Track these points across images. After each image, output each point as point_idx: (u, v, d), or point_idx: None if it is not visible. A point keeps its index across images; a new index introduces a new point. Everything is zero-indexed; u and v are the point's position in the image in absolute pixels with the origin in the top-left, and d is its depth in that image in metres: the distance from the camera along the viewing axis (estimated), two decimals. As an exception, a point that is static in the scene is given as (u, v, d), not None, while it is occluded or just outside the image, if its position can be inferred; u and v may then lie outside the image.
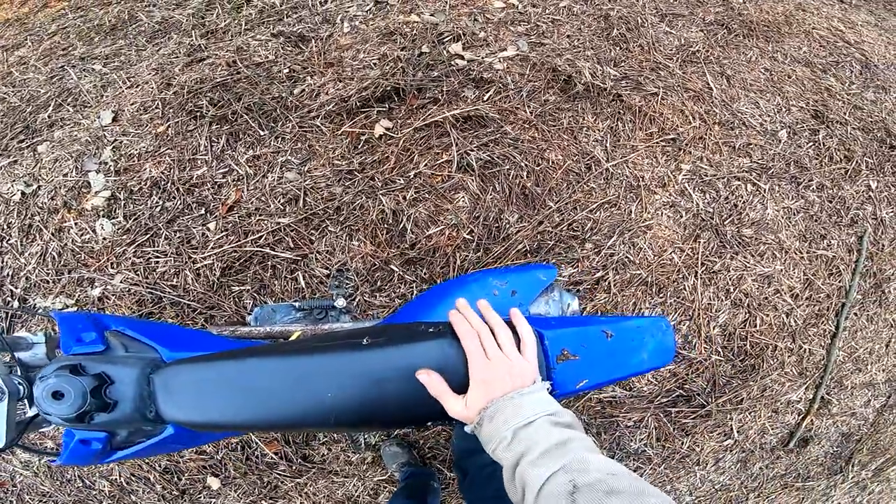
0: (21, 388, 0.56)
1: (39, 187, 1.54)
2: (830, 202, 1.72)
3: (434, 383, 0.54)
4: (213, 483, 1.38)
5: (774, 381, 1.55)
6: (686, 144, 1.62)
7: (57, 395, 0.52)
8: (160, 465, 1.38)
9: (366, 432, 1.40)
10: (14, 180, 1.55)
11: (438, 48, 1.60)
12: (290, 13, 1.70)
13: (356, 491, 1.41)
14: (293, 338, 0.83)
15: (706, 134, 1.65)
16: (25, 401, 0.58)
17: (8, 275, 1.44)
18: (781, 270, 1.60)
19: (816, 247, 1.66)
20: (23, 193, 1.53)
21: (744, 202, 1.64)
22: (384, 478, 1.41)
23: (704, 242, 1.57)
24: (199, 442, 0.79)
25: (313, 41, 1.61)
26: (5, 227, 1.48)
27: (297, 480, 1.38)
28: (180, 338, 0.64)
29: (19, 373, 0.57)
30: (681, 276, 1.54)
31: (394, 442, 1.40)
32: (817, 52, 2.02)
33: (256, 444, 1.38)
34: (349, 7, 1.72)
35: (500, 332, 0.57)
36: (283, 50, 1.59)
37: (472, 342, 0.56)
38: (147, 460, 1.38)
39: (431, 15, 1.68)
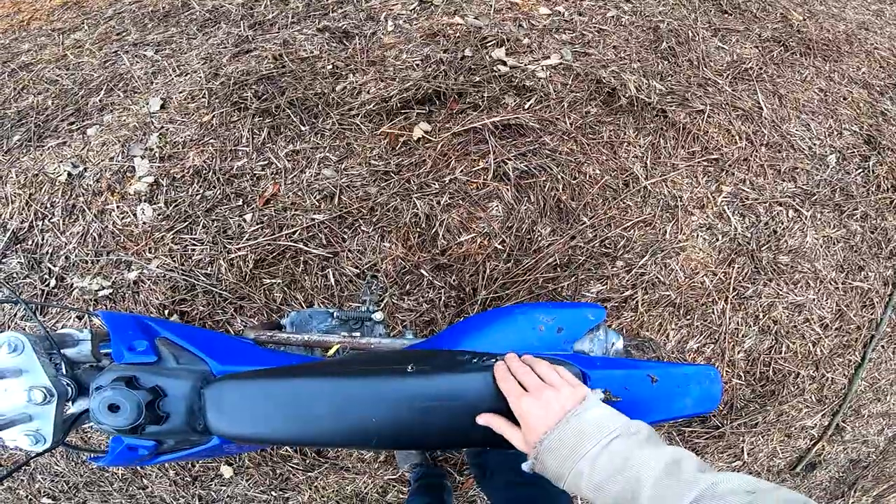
0: (69, 389, 0.57)
1: (86, 169, 1.59)
2: (872, 233, 1.66)
3: (495, 423, 0.53)
4: (226, 471, 1.41)
5: (792, 406, 1.54)
6: (729, 165, 1.57)
7: (113, 408, 0.53)
8: None
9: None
10: (62, 161, 1.60)
11: (481, 52, 1.58)
12: (336, 8, 1.71)
13: (365, 488, 1.43)
14: (332, 351, 0.84)
15: (751, 155, 1.60)
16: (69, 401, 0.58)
17: (48, 252, 1.49)
18: (814, 300, 1.56)
19: (853, 278, 1.61)
20: (69, 174, 1.58)
21: (784, 228, 1.59)
22: (394, 477, 1.44)
23: (738, 267, 1.53)
24: (241, 451, 0.82)
25: (357, 38, 1.62)
26: (49, 206, 1.53)
27: (309, 474, 1.41)
28: (228, 349, 0.65)
29: (65, 372, 0.58)
30: (710, 299, 1.51)
31: None
32: (876, 74, 1.92)
33: None
34: (394, 5, 1.71)
35: (539, 366, 0.55)
36: (328, 46, 1.60)
37: (508, 383, 0.53)
38: None
39: (475, 18, 1.66)
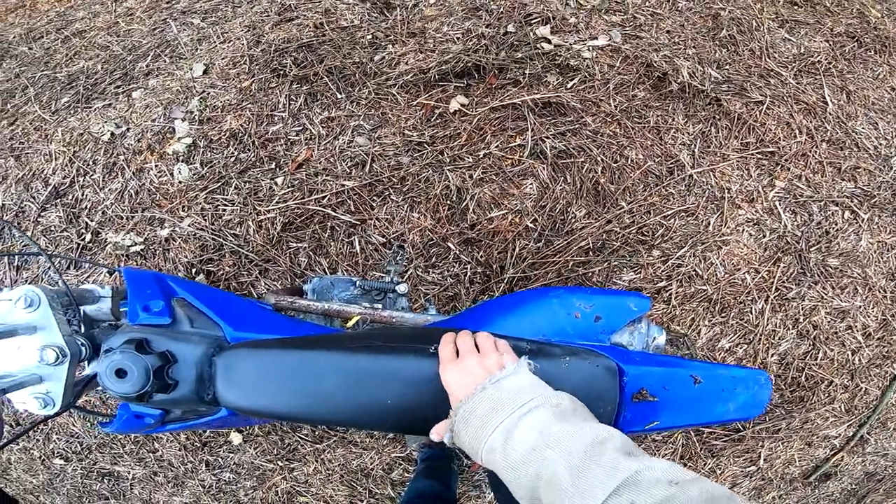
0: (83, 349, 0.55)
1: (128, 129, 1.63)
2: (932, 243, 1.52)
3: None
4: (235, 438, 1.42)
5: (819, 415, 1.48)
6: (786, 160, 1.46)
7: (120, 373, 0.51)
8: None
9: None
10: (106, 121, 1.65)
11: (525, 29, 1.54)
12: (379, -20, 1.70)
13: (371, 464, 1.42)
14: (352, 322, 0.81)
15: (811, 151, 1.49)
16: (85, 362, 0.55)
17: (86, 207, 1.53)
18: (860, 307, 1.47)
19: (904, 288, 1.50)
20: (112, 134, 1.63)
21: (837, 229, 1.48)
22: (401, 455, 1.43)
23: (784, 267, 1.43)
24: (248, 423, 0.79)
25: (398, 9, 1.60)
26: (91, 163, 1.58)
27: (317, 446, 1.41)
28: (244, 315, 0.63)
29: (82, 330, 0.56)
30: (749, 298, 1.42)
31: None
32: None
33: None
34: (438, -22, 1.68)
35: (480, 336, 0.51)
36: (369, 16, 1.59)
37: (445, 349, 0.50)
38: None
39: (521, -6, 1.61)
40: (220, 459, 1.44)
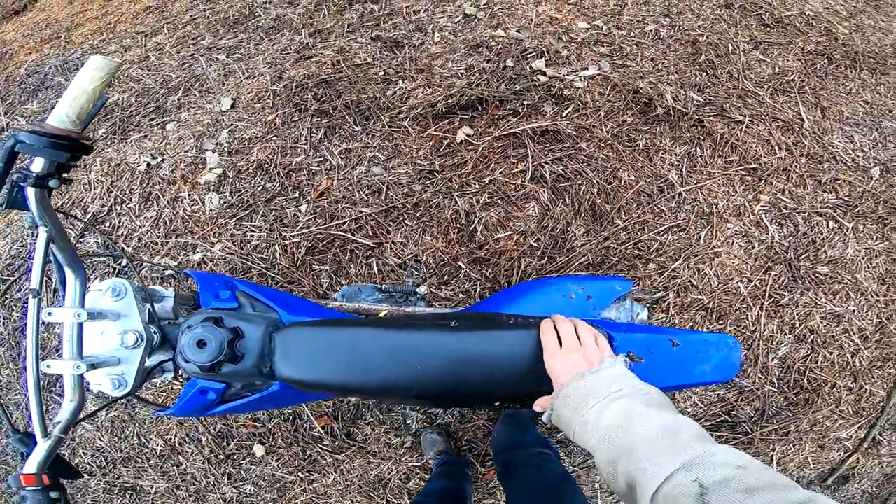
0: (156, 337, 0.61)
1: (163, 160, 1.77)
2: (919, 248, 1.61)
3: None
4: (258, 451, 1.45)
5: (826, 416, 1.51)
6: (768, 175, 1.58)
7: (200, 344, 0.58)
8: (214, 429, 1.47)
9: (439, 409, 1.44)
10: (142, 152, 1.79)
11: (522, 63, 1.68)
12: (387, 19, 1.86)
13: (389, 474, 1.45)
14: (381, 315, 0.93)
15: (791, 165, 1.60)
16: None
17: (123, 234, 1.64)
18: (854, 311, 1.55)
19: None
20: (148, 164, 1.76)
21: (823, 239, 1.58)
22: (418, 464, 1.45)
23: (775, 275, 1.53)
24: (293, 402, 0.90)
25: (407, 47, 1.75)
26: (128, 192, 1.68)
27: (337, 457, 1.45)
28: (295, 304, 0.73)
29: (156, 320, 0.63)
30: (745, 305, 1.51)
31: (435, 430, 1.46)
32: None
33: (307, 416, 1.46)
34: (440, 18, 1.84)
35: (581, 327, 0.59)
36: (380, 54, 1.74)
37: (548, 336, 0.57)
38: (204, 423, 1.48)
39: (517, 31, 1.76)
40: (242, 472, 1.47)
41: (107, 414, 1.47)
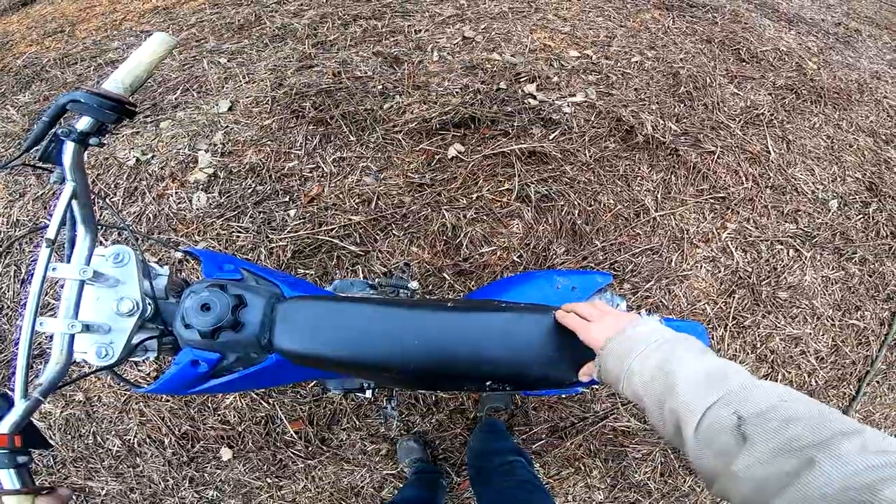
0: (149, 308, 0.61)
1: (153, 157, 1.76)
2: (870, 276, 1.75)
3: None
4: (225, 454, 1.39)
5: None
6: (735, 204, 1.70)
7: (204, 308, 0.58)
8: (180, 430, 1.41)
9: (432, 391, 1.43)
10: (132, 148, 1.78)
11: (514, 86, 1.76)
12: (389, 36, 1.92)
13: (362, 482, 1.41)
14: None
15: (756, 196, 1.72)
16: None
17: (102, 227, 1.66)
18: (811, 334, 1.65)
19: (849, 317, 1.70)
20: (137, 160, 1.75)
21: (784, 266, 1.70)
22: (393, 472, 1.43)
23: (739, 298, 1.64)
24: (284, 380, 0.92)
25: (406, 64, 1.82)
26: (113, 186, 1.66)
27: (309, 462, 1.40)
28: (295, 283, 0.75)
29: (152, 294, 0.62)
30: (710, 326, 1.61)
31: (412, 437, 1.45)
32: (884, 123, 2.04)
33: (281, 420, 1.42)
34: (440, 38, 1.92)
35: (591, 303, 0.62)
36: (380, 68, 1.80)
37: (571, 318, 0.59)
38: (169, 424, 1.41)
39: (511, 56, 1.85)
40: (205, 475, 1.40)
41: (61, 412, 1.41)
